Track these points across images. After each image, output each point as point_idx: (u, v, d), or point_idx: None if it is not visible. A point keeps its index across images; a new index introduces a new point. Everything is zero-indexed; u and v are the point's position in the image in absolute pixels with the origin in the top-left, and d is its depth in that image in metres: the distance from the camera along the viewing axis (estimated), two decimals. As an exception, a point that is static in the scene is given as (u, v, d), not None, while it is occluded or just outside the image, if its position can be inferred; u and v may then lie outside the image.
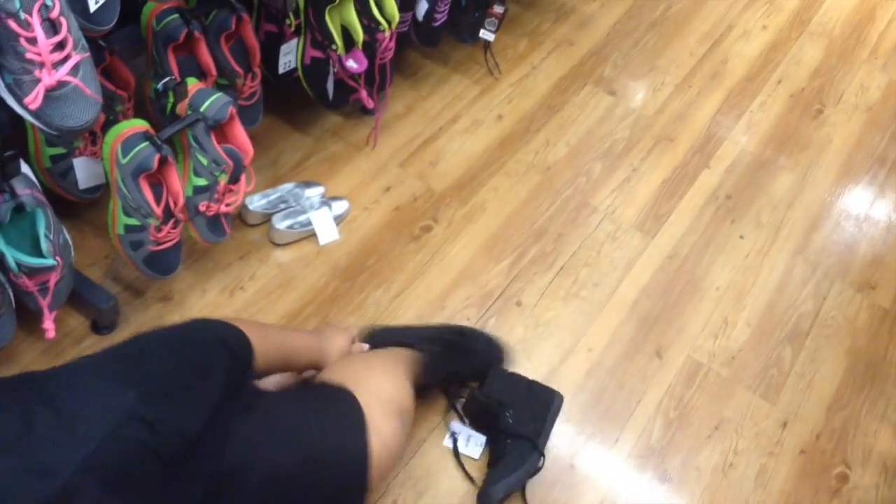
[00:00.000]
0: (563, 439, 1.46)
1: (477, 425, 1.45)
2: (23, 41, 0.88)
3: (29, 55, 0.89)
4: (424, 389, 1.41)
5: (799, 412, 1.56)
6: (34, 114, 0.93)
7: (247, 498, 0.99)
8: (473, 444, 1.43)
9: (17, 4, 0.86)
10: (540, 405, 1.44)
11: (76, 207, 1.57)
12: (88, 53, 0.97)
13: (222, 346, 0.99)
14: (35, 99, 0.90)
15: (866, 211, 1.95)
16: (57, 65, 0.91)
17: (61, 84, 0.93)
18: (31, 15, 0.88)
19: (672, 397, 1.55)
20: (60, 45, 0.91)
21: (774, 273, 1.77)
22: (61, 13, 0.91)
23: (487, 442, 1.43)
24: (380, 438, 1.11)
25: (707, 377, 1.58)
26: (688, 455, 1.48)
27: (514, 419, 1.40)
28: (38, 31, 0.88)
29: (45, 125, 0.95)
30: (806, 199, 1.94)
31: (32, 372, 0.92)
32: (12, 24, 0.87)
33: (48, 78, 0.90)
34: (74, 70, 0.93)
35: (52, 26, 0.90)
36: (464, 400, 1.47)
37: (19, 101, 0.92)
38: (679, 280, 1.73)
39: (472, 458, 1.42)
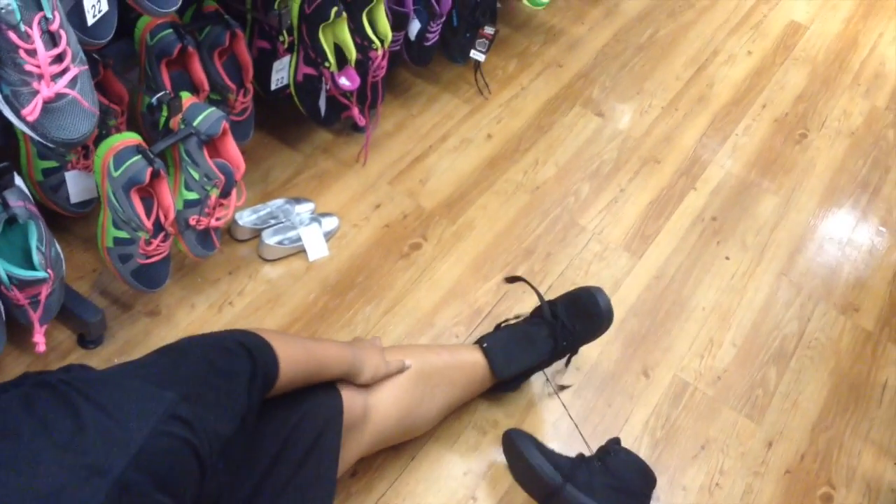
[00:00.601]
0: (551, 457, 1.46)
1: None
2: (22, 53, 0.88)
3: (28, 67, 0.89)
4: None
5: (784, 432, 1.58)
6: (31, 125, 0.93)
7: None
8: None
9: (18, 16, 0.87)
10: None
11: (64, 221, 1.57)
12: (87, 66, 0.98)
13: (244, 351, 0.99)
14: (33, 111, 0.91)
15: (849, 234, 1.98)
16: (55, 77, 0.91)
17: (59, 96, 0.93)
18: (31, 27, 0.88)
19: (659, 416, 1.55)
20: (59, 58, 0.91)
21: (759, 294, 1.79)
22: (61, 26, 0.91)
23: None
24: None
25: (693, 397, 1.59)
26: (674, 474, 1.49)
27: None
28: (38, 44, 0.88)
29: (42, 137, 0.95)
30: (790, 222, 1.96)
31: (67, 371, 0.96)
32: (12, 35, 0.87)
33: (46, 90, 0.91)
34: (73, 82, 0.94)
35: (51, 39, 0.90)
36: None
37: (17, 112, 0.92)
38: (666, 300, 1.74)
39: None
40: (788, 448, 1.56)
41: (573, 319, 1.45)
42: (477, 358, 1.43)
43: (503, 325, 1.50)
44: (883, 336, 1.77)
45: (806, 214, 1.99)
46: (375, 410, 1.26)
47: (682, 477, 1.48)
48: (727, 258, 1.85)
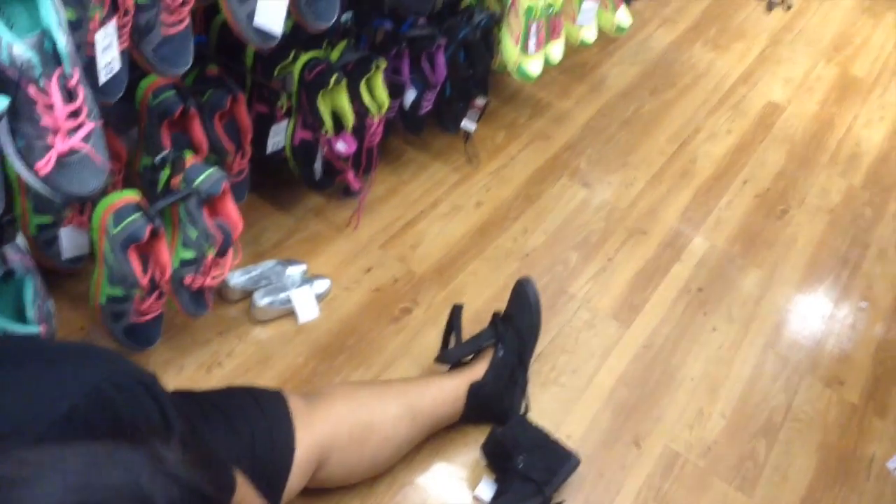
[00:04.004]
0: (543, 528, 1.44)
1: (491, 465, 1.49)
2: (40, 107, 0.89)
3: (44, 121, 0.90)
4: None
5: (774, 505, 1.57)
6: (43, 179, 0.93)
7: None
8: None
9: (39, 71, 0.88)
10: (555, 460, 1.46)
11: (54, 278, 1.55)
12: (101, 122, 0.98)
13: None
14: (46, 165, 0.91)
15: (832, 309, 2.01)
16: (71, 132, 0.92)
17: (72, 151, 0.93)
18: (50, 82, 0.89)
19: (650, 488, 1.54)
20: (75, 114, 0.92)
21: (746, 366, 1.81)
22: (79, 82, 0.92)
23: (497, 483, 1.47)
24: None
25: (684, 468, 1.59)
26: (666, 547, 1.47)
27: (525, 463, 1.42)
28: (56, 99, 0.89)
29: (52, 191, 0.95)
30: (774, 295, 1.99)
31: None
32: (32, 90, 0.88)
33: (61, 144, 0.91)
34: (87, 138, 0.94)
35: (69, 94, 0.91)
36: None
37: (29, 166, 0.92)
38: (655, 370, 1.75)
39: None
40: (779, 521, 1.55)
41: (508, 309, 1.62)
42: (430, 378, 1.50)
43: None
44: (868, 410, 1.78)
45: (789, 288, 2.03)
46: (320, 405, 1.29)
47: (674, 550, 1.47)
48: (714, 329, 1.87)
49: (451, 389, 1.47)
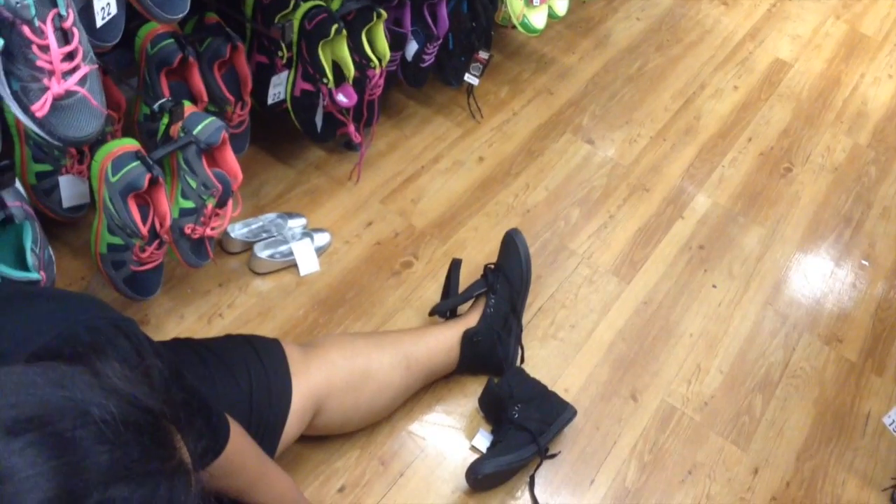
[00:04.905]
0: (540, 478, 1.46)
1: (487, 416, 1.51)
2: (35, 48, 0.88)
3: (40, 63, 0.89)
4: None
5: (770, 459, 1.58)
6: (39, 122, 0.93)
7: None
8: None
9: (33, 12, 0.87)
10: (550, 411, 1.47)
11: (54, 228, 1.55)
12: (97, 66, 0.98)
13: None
14: (42, 107, 0.90)
15: (832, 267, 2.00)
16: (66, 74, 0.91)
17: (69, 94, 0.93)
18: (45, 23, 0.88)
19: (647, 440, 1.56)
20: (71, 56, 0.91)
21: (745, 323, 1.81)
22: (74, 24, 0.91)
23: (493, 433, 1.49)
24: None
25: (681, 422, 1.60)
26: (662, 499, 1.49)
27: (521, 414, 1.44)
28: (51, 40, 0.88)
29: (49, 134, 0.94)
30: (775, 253, 1.99)
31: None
32: (26, 30, 0.87)
33: (57, 86, 0.90)
34: (83, 81, 0.94)
35: (64, 36, 0.90)
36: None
37: (25, 108, 0.92)
38: (654, 325, 1.75)
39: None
40: (774, 475, 1.56)
41: (499, 260, 1.61)
42: (425, 328, 1.53)
43: None
44: (866, 367, 1.79)
45: (791, 246, 2.02)
46: (316, 353, 1.31)
47: (669, 501, 1.48)
48: (714, 286, 1.87)
49: (446, 338, 1.48)
